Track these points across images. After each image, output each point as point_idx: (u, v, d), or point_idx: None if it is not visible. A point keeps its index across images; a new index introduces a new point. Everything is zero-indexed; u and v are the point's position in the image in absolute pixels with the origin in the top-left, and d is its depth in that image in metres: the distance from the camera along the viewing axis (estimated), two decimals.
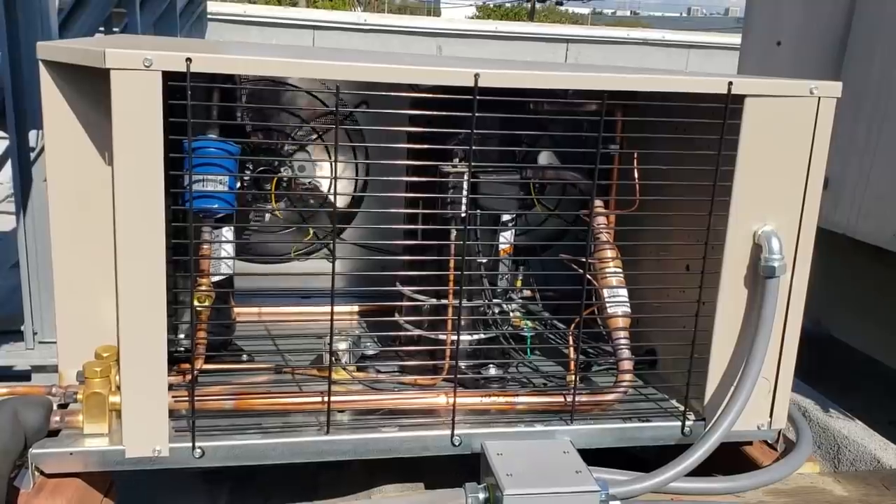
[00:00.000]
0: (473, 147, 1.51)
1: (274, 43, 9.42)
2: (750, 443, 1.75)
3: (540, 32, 11.60)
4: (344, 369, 1.69)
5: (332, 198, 1.56)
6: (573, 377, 1.67)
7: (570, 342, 1.72)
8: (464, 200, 1.67)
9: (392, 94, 1.49)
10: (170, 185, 1.42)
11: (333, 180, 1.51)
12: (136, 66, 1.31)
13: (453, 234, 1.70)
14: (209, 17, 8.54)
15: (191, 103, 1.35)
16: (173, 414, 1.49)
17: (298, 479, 1.80)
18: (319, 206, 1.97)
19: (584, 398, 1.68)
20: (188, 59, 1.32)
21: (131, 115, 1.33)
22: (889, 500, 1.61)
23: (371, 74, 1.45)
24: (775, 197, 1.61)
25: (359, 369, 1.74)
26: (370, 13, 14.46)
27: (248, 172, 1.83)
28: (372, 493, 1.69)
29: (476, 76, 1.44)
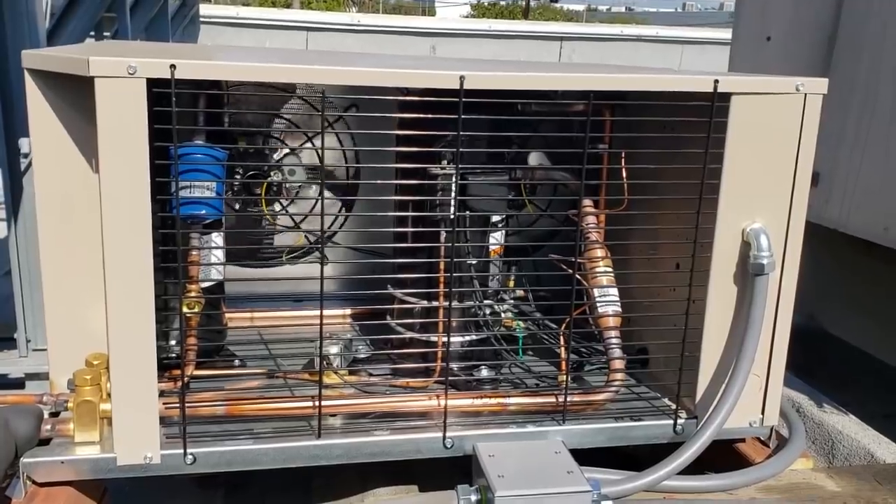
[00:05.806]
0: (462, 149, 1.51)
1: (267, 46, 9.42)
2: (742, 440, 1.75)
3: (534, 31, 11.63)
4: (335, 373, 1.69)
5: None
6: (565, 377, 1.67)
7: (562, 342, 1.72)
8: (452, 202, 1.67)
9: (379, 97, 1.49)
10: (156, 192, 1.42)
11: (321, 186, 1.51)
12: (121, 73, 1.31)
13: (443, 235, 1.70)
14: (202, 19, 8.53)
15: (176, 110, 1.35)
16: (164, 421, 1.49)
17: (292, 483, 1.80)
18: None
19: (575, 398, 1.68)
20: (172, 66, 1.32)
21: (117, 123, 1.32)
22: (882, 495, 1.61)
23: (356, 78, 1.44)
24: (763, 194, 1.61)
25: (350, 373, 1.74)
26: (364, 14, 14.46)
27: (236, 177, 1.83)
28: (365, 497, 1.69)
29: (461, 78, 1.44)
